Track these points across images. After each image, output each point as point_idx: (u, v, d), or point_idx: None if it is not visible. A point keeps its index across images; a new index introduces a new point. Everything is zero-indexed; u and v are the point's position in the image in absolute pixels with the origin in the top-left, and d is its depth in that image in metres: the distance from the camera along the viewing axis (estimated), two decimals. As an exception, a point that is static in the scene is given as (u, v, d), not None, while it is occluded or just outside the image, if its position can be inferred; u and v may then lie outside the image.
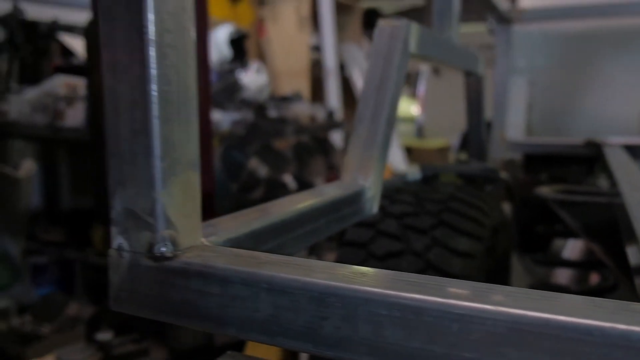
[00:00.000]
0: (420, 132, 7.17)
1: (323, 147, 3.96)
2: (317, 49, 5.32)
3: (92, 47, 1.55)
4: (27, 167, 2.44)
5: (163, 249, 0.46)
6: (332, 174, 4.00)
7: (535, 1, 2.41)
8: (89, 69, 1.62)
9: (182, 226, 0.47)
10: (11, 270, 2.54)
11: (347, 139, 5.20)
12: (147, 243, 0.46)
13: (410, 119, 8.14)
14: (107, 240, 2.87)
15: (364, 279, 0.40)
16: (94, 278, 2.73)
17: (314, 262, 0.45)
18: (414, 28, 1.03)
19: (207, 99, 1.67)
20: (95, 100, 1.62)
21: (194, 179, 0.49)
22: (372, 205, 0.94)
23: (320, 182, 3.71)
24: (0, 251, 2.47)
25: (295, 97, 4.21)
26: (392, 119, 1.00)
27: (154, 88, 0.45)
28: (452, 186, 1.33)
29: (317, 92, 5.44)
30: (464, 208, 1.23)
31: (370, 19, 6.42)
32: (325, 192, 0.82)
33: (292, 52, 5.00)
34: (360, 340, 0.38)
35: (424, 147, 6.95)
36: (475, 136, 1.83)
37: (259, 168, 3.03)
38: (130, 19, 0.45)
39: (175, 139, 0.47)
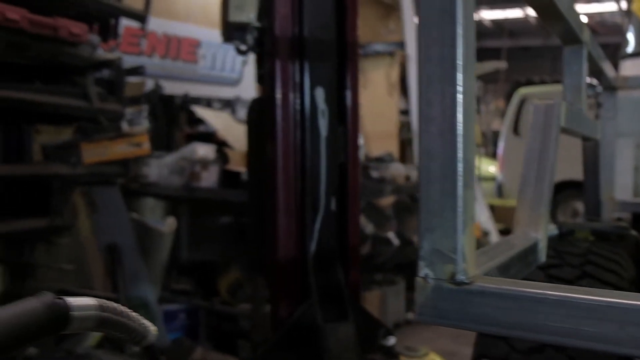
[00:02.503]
0: (500, 190, 7.21)
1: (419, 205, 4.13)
2: (404, 112, 5.59)
3: (255, 121, 1.83)
4: (170, 223, 2.75)
5: (462, 277, 0.65)
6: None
7: (637, 69, 2.55)
8: (250, 140, 1.90)
9: (470, 260, 0.67)
10: (149, 316, 2.82)
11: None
12: (449, 272, 0.66)
13: (490, 178, 8.19)
14: (232, 290, 3.12)
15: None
16: (218, 325, 2.96)
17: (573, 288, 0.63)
18: (563, 105, 1.22)
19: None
20: (254, 165, 1.89)
21: (474, 226, 0.69)
22: (542, 255, 1.12)
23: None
24: (142, 298, 2.76)
25: (388, 158, 4.44)
26: (552, 182, 1.18)
27: (460, 167, 0.66)
28: (588, 242, 1.47)
29: (405, 152, 5.66)
30: (604, 261, 1.37)
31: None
32: (514, 243, 1.00)
33: (382, 116, 5.28)
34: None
35: (505, 206, 6.95)
36: (592, 196, 1.96)
37: (366, 225, 3.24)
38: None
39: (469, 198, 0.67)
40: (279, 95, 1.63)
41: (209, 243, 3.08)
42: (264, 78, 1.78)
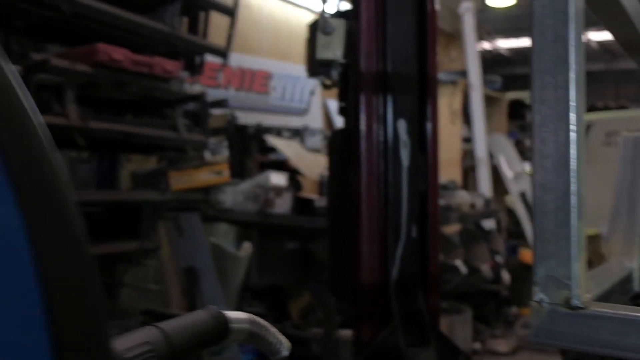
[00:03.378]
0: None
1: (484, 233, 4.12)
2: (467, 140, 5.59)
3: (337, 150, 1.92)
4: (246, 248, 2.86)
5: (577, 302, 0.70)
6: (493, 260, 4.11)
7: None
8: (331, 169, 1.99)
9: (582, 285, 0.72)
10: (223, 337, 2.92)
11: (498, 225, 5.29)
12: (564, 298, 0.71)
13: (554, 206, 7.97)
14: (303, 314, 3.20)
15: None
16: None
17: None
18: (653, 137, 1.25)
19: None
20: (335, 193, 1.97)
21: (586, 255, 0.74)
22: (636, 284, 1.14)
23: (486, 268, 3.84)
24: (218, 320, 2.87)
25: (452, 186, 4.45)
26: (644, 212, 1.21)
27: (573, 199, 0.71)
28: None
29: (467, 180, 5.64)
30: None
31: (516, 109, 6.62)
32: (612, 272, 1.03)
33: (445, 144, 5.30)
34: None
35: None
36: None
37: (434, 253, 3.26)
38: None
39: (581, 228, 0.72)
40: (363, 127, 1.72)
41: (281, 267, 3.18)
42: (347, 110, 1.87)
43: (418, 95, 1.76)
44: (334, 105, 4.38)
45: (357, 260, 1.76)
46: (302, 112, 4.11)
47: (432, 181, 1.80)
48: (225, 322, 0.66)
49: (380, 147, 1.73)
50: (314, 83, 4.23)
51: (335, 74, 1.78)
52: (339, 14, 1.81)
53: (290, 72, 4.00)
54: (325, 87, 1.88)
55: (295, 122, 4.01)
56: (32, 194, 0.43)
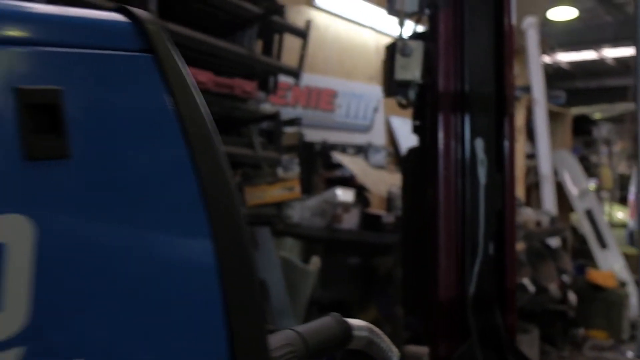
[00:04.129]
0: (631, 238, 6.78)
1: (550, 252, 4.04)
2: (530, 156, 5.50)
3: (412, 168, 1.96)
4: (315, 262, 2.93)
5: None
6: (560, 279, 4.02)
7: None
8: (405, 186, 2.03)
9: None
10: (292, 350, 2.98)
11: (564, 243, 5.16)
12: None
13: (621, 225, 7.73)
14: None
15: None
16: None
17: None
18: None
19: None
20: (409, 210, 2.01)
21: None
22: None
23: (553, 287, 3.77)
24: (287, 332, 2.94)
25: (516, 203, 4.40)
26: None
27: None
28: None
29: (530, 197, 5.54)
30: None
31: (580, 124, 6.47)
32: None
33: (508, 160, 5.24)
34: None
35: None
36: None
37: (501, 270, 3.23)
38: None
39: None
40: (441, 145, 1.76)
41: (345, 282, 3.23)
42: (422, 129, 1.92)
43: (495, 114, 1.79)
44: (396, 122, 4.43)
45: (434, 276, 1.79)
46: (366, 129, 4.17)
47: (508, 199, 1.82)
48: (348, 328, 0.72)
49: (458, 165, 1.76)
50: (377, 100, 4.30)
51: (412, 94, 1.84)
52: (416, 36, 1.86)
53: (354, 90, 4.08)
54: (402, 106, 1.93)
55: (358, 139, 4.07)
56: (219, 219, 0.50)
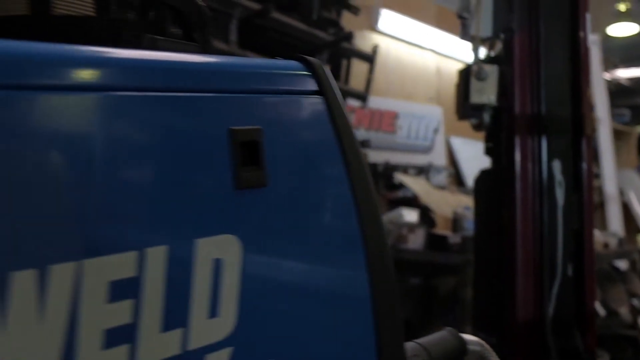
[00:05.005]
0: None
1: (619, 274, 3.93)
2: (594, 176, 5.38)
3: (485, 189, 1.99)
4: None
5: None
6: (630, 303, 3.90)
7: None
8: (478, 207, 2.06)
9: None
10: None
11: (633, 266, 5.00)
12: None
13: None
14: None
15: None
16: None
17: None
18: None
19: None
20: (483, 231, 2.03)
21: None
22: None
23: (624, 311, 3.66)
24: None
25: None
26: None
27: None
28: None
29: (595, 218, 5.39)
30: None
31: (646, 143, 6.27)
32: None
33: (571, 180, 5.14)
34: None
35: None
36: None
37: (570, 293, 3.17)
38: None
39: None
40: (518, 167, 1.78)
41: (412, 301, 3.24)
42: (496, 151, 1.95)
43: (573, 135, 1.80)
44: (457, 142, 4.44)
45: (511, 296, 1.80)
46: (427, 149, 4.20)
47: (587, 220, 1.82)
48: (464, 342, 0.77)
49: (535, 186, 1.78)
50: (437, 121, 4.32)
51: (487, 116, 1.87)
52: (490, 60, 1.90)
53: (415, 111, 4.13)
54: (475, 129, 1.96)
55: (419, 159, 4.10)
56: (373, 250, 0.56)
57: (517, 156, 1.79)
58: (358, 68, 2.93)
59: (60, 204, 0.37)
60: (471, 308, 2.92)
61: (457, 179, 4.35)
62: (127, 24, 0.46)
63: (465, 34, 1.90)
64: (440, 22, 4.35)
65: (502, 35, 1.86)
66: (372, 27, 3.79)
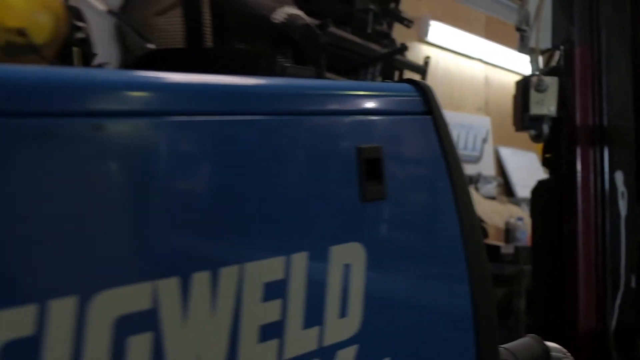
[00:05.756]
0: None
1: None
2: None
3: (542, 200, 1.99)
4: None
5: None
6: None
7: None
8: (535, 218, 2.06)
9: None
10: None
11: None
12: None
13: None
14: None
15: None
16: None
17: None
18: None
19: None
20: (540, 242, 2.03)
21: None
22: None
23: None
24: None
25: None
26: None
27: None
28: None
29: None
30: None
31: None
32: None
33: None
34: None
35: None
36: None
37: None
38: None
39: None
40: (579, 178, 1.78)
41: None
42: (554, 162, 1.95)
43: (636, 147, 1.79)
44: (505, 152, 4.40)
45: (573, 308, 1.80)
46: (475, 159, 4.18)
47: (650, 231, 1.80)
48: (547, 349, 0.79)
49: (597, 197, 1.77)
50: (486, 131, 4.31)
51: (546, 127, 1.88)
52: (549, 71, 1.91)
53: (463, 121, 4.12)
54: (534, 140, 1.97)
55: (468, 169, 4.09)
56: (475, 262, 0.60)
57: (579, 167, 1.79)
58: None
59: (233, 216, 0.42)
60: (525, 318, 2.89)
61: (506, 189, 4.32)
62: (263, 54, 0.52)
63: (523, 46, 1.91)
64: (488, 32, 4.34)
65: (561, 47, 1.87)
66: (421, 38, 3.82)
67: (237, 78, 0.43)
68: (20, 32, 0.48)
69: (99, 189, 0.36)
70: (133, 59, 0.55)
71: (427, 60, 2.93)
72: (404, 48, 2.72)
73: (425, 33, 3.79)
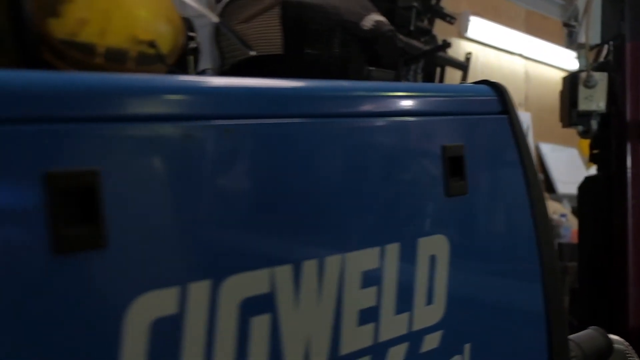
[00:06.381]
0: None
1: None
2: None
3: (590, 196, 1.98)
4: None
5: None
6: None
7: None
8: (582, 213, 2.05)
9: None
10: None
11: None
12: None
13: None
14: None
15: None
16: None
17: None
18: None
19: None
20: (587, 238, 2.02)
21: None
22: None
23: None
24: None
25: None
26: None
27: None
28: None
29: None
30: None
31: None
32: None
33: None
34: None
35: None
36: None
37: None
38: None
39: None
40: (629, 174, 1.77)
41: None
42: (602, 158, 1.94)
43: (689, 143, 1.77)
44: (545, 148, 4.35)
45: (623, 305, 1.79)
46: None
47: (703, 228, 1.78)
48: (610, 341, 0.81)
49: (649, 193, 1.76)
50: (526, 126, 4.26)
51: (595, 123, 1.87)
52: (598, 67, 1.90)
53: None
54: (582, 136, 1.96)
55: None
56: (547, 263, 0.62)
57: (629, 163, 1.78)
58: (448, 75, 2.96)
59: (336, 210, 0.46)
60: (568, 316, 2.87)
61: (547, 185, 4.27)
62: (351, 59, 0.56)
63: (571, 42, 1.91)
64: (528, 27, 4.29)
65: (611, 42, 1.85)
66: (461, 34, 3.80)
67: (342, 82, 0.47)
68: (151, 44, 0.54)
69: (231, 188, 0.40)
70: (229, 65, 0.59)
71: (468, 57, 2.93)
72: (447, 45, 2.72)
73: (465, 29, 3.77)
